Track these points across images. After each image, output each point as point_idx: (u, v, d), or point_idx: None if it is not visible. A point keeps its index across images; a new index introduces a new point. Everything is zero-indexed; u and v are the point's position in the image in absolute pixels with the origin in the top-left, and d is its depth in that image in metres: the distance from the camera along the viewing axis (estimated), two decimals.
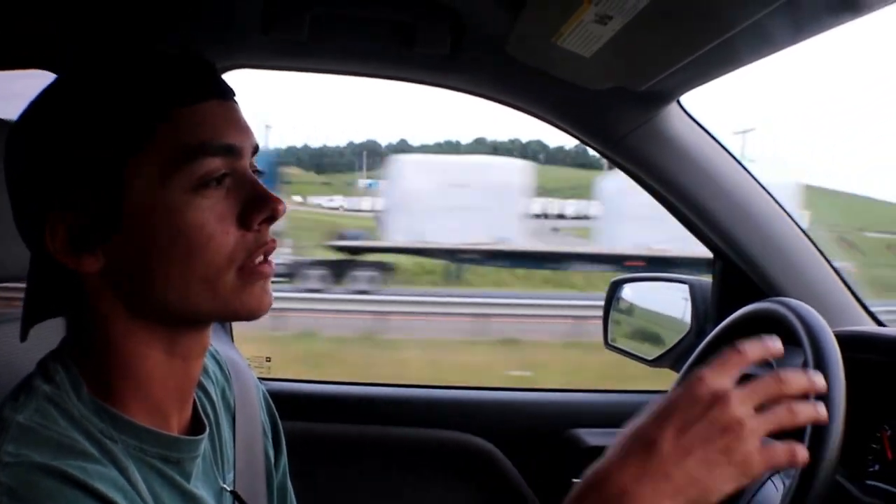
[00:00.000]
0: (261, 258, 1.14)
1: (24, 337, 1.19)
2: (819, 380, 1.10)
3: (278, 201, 1.13)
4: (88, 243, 1.09)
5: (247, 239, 1.12)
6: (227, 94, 1.16)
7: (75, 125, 1.08)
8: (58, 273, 1.12)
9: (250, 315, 1.15)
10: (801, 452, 1.05)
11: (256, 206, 1.12)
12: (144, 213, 1.07)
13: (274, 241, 1.16)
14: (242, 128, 1.15)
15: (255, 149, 1.18)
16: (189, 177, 1.07)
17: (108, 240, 1.09)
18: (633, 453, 1.01)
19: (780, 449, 1.04)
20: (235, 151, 1.12)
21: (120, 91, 1.09)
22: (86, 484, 0.97)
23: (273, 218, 1.14)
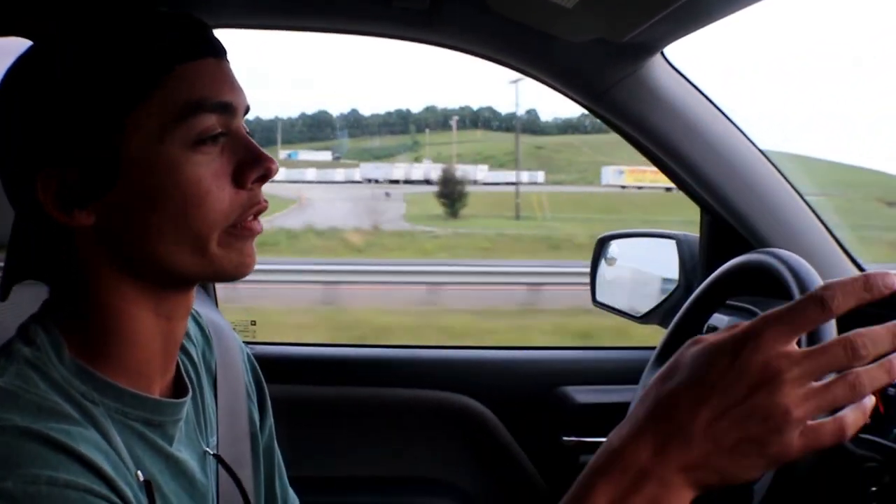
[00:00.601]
0: (251, 217, 1.14)
1: (4, 296, 1.19)
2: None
3: (271, 160, 1.14)
4: (82, 198, 1.09)
5: (241, 197, 1.12)
6: (221, 52, 1.17)
7: (74, 79, 1.08)
8: (46, 229, 1.11)
9: (236, 274, 1.15)
10: (850, 424, 0.89)
11: (251, 165, 1.13)
12: (141, 167, 1.08)
13: (266, 201, 1.16)
14: (236, 87, 1.16)
15: (247, 109, 1.18)
16: (187, 132, 1.08)
17: (102, 195, 1.08)
18: (657, 429, 0.88)
19: (828, 430, 0.87)
20: (231, 109, 1.13)
21: (121, 45, 1.09)
22: (69, 447, 0.96)
23: (266, 176, 1.14)
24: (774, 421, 0.85)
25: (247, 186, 1.12)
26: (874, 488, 1.39)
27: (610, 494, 0.88)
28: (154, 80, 1.07)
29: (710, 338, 0.91)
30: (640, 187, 48.41)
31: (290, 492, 1.56)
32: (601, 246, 2.79)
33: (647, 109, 2.11)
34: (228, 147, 1.12)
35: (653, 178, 47.78)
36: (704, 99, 2.14)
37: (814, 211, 2.18)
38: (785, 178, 2.17)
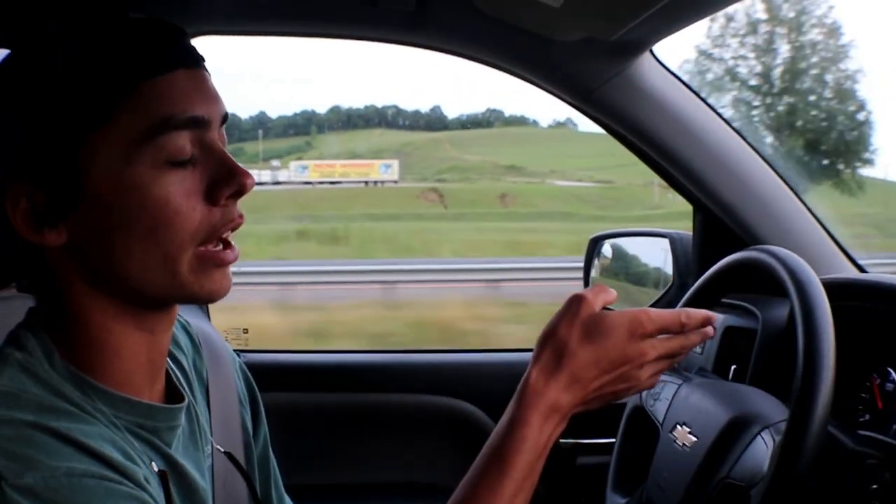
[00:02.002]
0: (219, 246, 1.11)
1: None
2: (714, 316, 1.31)
3: (246, 175, 1.10)
4: (50, 218, 1.06)
5: (213, 215, 1.09)
6: (196, 61, 1.12)
7: (34, 98, 1.05)
8: (21, 244, 1.09)
9: (209, 298, 1.13)
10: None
11: (224, 181, 1.09)
12: (108, 189, 1.04)
13: (241, 216, 1.13)
14: (211, 97, 1.11)
15: (225, 117, 1.14)
16: (156, 153, 1.04)
17: (68, 215, 1.06)
18: (569, 378, 1.21)
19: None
20: (203, 123, 1.09)
21: (82, 62, 1.05)
22: (76, 439, 0.97)
23: (241, 192, 1.11)
24: (633, 384, 1.25)
25: (219, 203, 1.09)
26: (875, 486, 1.38)
27: (537, 421, 1.21)
28: (116, 100, 1.04)
29: (614, 317, 1.23)
30: (333, 182, 47.51)
31: (286, 498, 1.54)
32: (594, 245, 2.78)
33: (637, 107, 2.10)
34: (201, 162, 1.09)
35: (343, 171, 47.90)
36: (694, 95, 2.13)
37: (807, 206, 2.18)
38: (778, 173, 2.16)
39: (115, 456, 0.99)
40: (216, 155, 1.10)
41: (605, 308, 1.26)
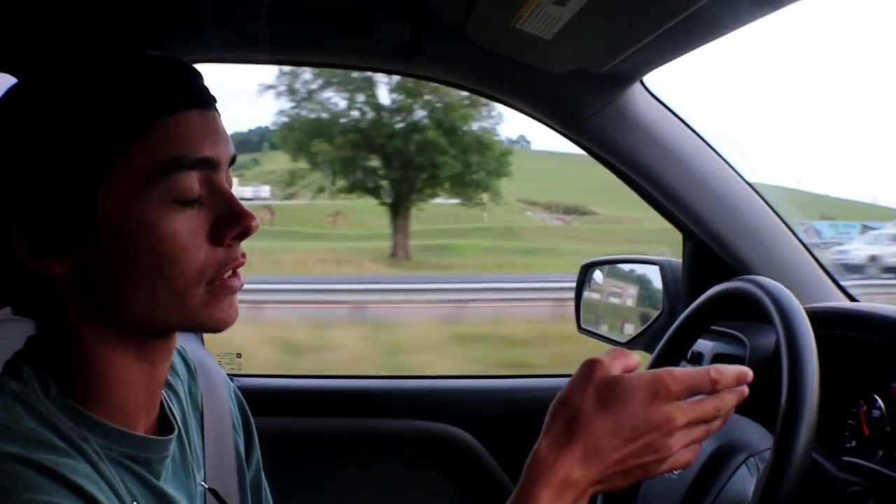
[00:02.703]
0: (230, 273, 1.12)
1: None
2: (748, 371, 1.19)
3: (251, 217, 1.12)
4: (55, 249, 1.07)
5: (217, 254, 1.10)
6: (208, 102, 1.13)
7: (46, 132, 1.06)
8: (24, 273, 1.09)
9: (216, 328, 1.14)
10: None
11: (229, 222, 1.10)
12: (116, 224, 1.05)
13: (244, 256, 1.14)
14: (221, 138, 1.13)
15: (233, 159, 1.16)
16: (165, 191, 1.06)
17: (75, 248, 1.07)
18: (584, 450, 1.10)
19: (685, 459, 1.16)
20: (213, 164, 1.10)
21: (96, 100, 1.06)
22: (61, 475, 0.96)
23: (245, 234, 1.12)
24: (662, 454, 1.11)
25: (224, 244, 1.10)
26: None
27: (547, 498, 1.09)
28: (129, 138, 1.05)
29: (632, 379, 1.12)
30: None
31: None
32: (585, 272, 2.80)
33: (627, 137, 2.11)
34: (208, 202, 1.10)
35: None
36: (684, 126, 2.15)
37: (796, 235, 2.19)
38: (767, 203, 2.18)
39: (99, 496, 0.99)
40: (223, 196, 1.11)
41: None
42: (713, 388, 1.13)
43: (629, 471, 1.11)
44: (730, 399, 1.15)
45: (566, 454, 1.09)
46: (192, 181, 1.07)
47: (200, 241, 1.08)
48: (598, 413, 1.10)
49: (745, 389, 1.18)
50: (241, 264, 1.14)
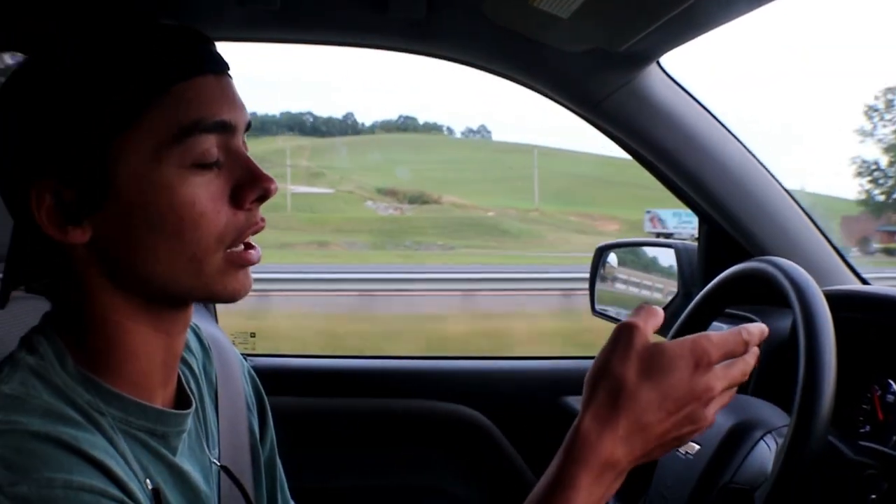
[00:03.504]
0: (241, 247, 1.13)
1: (2, 303, 1.18)
2: (765, 328, 1.16)
3: (270, 180, 1.12)
4: (75, 215, 1.07)
5: (238, 218, 1.10)
6: (223, 67, 1.14)
7: (66, 96, 1.06)
8: (43, 242, 1.10)
9: (231, 297, 1.14)
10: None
11: (249, 185, 1.11)
12: (135, 187, 1.06)
13: (263, 220, 1.14)
14: (237, 103, 1.13)
15: (248, 125, 1.16)
16: (184, 154, 1.06)
17: (95, 212, 1.07)
18: (627, 425, 1.05)
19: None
20: (230, 128, 1.11)
21: (114, 63, 1.07)
22: (80, 449, 0.96)
23: (265, 197, 1.12)
24: (700, 424, 1.07)
25: (244, 207, 1.10)
26: (873, 496, 1.39)
27: (587, 481, 1.04)
28: (148, 100, 1.05)
29: (674, 347, 1.07)
30: None
31: (292, 503, 1.55)
32: (600, 255, 2.79)
33: (644, 118, 2.11)
34: (226, 166, 1.10)
35: None
36: (700, 107, 2.14)
37: (811, 219, 2.18)
38: (782, 186, 2.17)
39: (115, 469, 0.99)
40: (241, 160, 1.11)
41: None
42: (745, 349, 1.10)
43: (667, 443, 1.07)
44: (752, 360, 1.11)
45: (609, 432, 1.04)
46: (210, 144, 1.08)
47: (220, 205, 1.09)
48: (642, 384, 1.05)
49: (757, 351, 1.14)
50: (261, 228, 1.14)
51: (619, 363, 1.06)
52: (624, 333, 1.08)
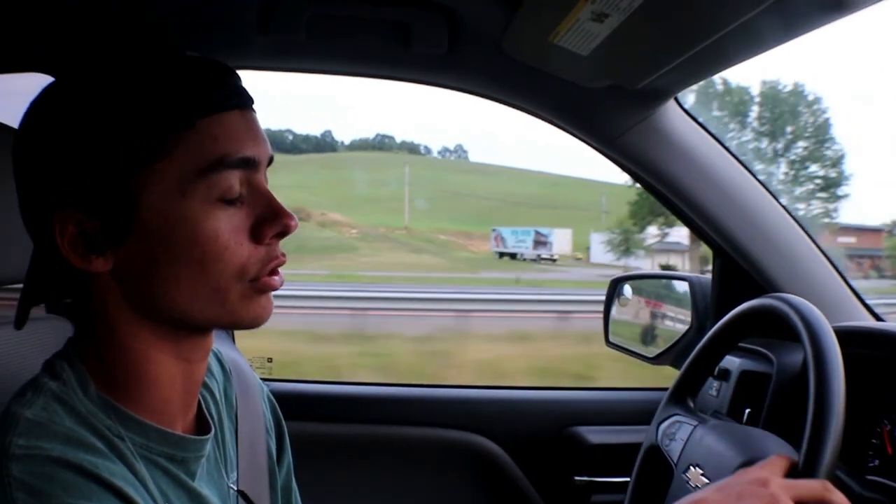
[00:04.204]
0: (268, 272, 1.14)
1: (19, 324, 1.20)
2: None
3: (290, 217, 1.14)
4: (98, 245, 1.08)
5: (259, 252, 1.12)
6: (248, 103, 1.16)
7: (92, 128, 1.07)
8: (64, 270, 1.11)
9: (253, 324, 1.15)
10: None
11: (270, 221, 1.12)
12: (159, 220, 1.07)
13: (284, 255, 1.16)
14: (260, 139, 1.15)
15: (270, 159, 1.18)
16: (208, 189, 1.08)
17: (118, 244, 1.08)
18: None
19: None
20: (253, 164, 1.12)
21: (140, 97, 1.08)
22: (100, 476, 0.97)
23: (284, 233, 1.14)
24: None
25: (264, 242, 1.12)
26: None
27: None
28: (174, 135, 1.07)
29: (752, 472, 1.26)
30: None
31: None
32: (614, 287, 2.81)
33: (660, 154, 2.13)
34: (248, 201, 1.12)
35: None
36: (717, 143, 2.16)
37: (826, 256, 2.19)
38: (798, 222, 2.19)
39: (136, 498, 1.00)
40: (263, 195, 1.13)
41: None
42: None
43: None
44: None
45: None
46: (234, 180, 1.10)
47: (242, 239, 1.10)
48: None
49: None
50: (282, 263, 1.16)
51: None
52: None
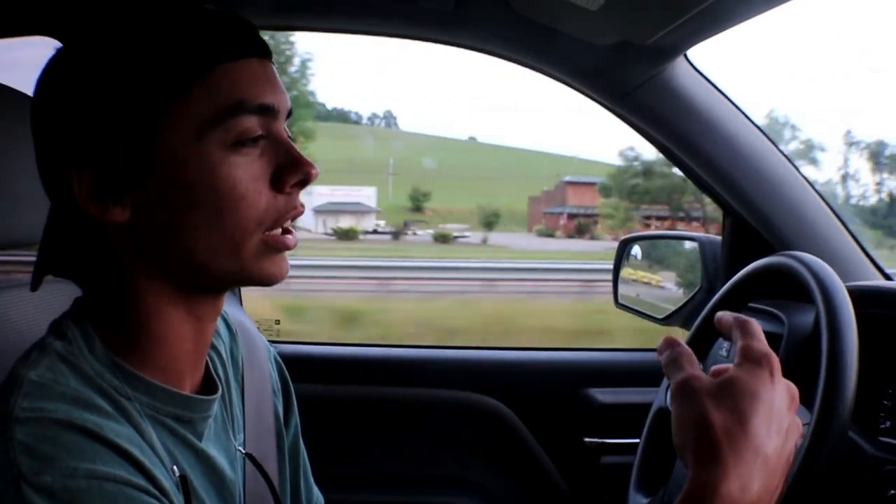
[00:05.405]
0: (279, 231, 1.13)
1: (35, 286, 1.19)
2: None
3: (311, 165, 1.13)
4: (116, 192, 1.08)
5: (278, 201, 1.11)
6: (266, 52, 1.15)
7: (110, 74, 1.07)
8: (81, 224, 1.11)
9: (268, 281, 1.14)
10: None
11: (290, 169, 1.11)
12: (177, 165, 1.06)
13: (303, 205, 1.15)
14: (279, 88, 1.14)
15: (289, 112, 1.17)
16: (226, 134, 1.07)
17: (136, 189, 1.08)
18: (741, 461, 0.95)
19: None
20: (272, 111, 1.12)
21: (159, 42, 1.07)
22: (105, 437, 0.96)
23: (305, 182, 1.13)
24: (800, 431, 1.02)
25: (285, 191, 1.11)
26: (892, 491, 1.39)
27: None
28: (192, 80, 1.06)
29: (742, 374, 1.01)
30: None
31: (315, 489, 1.56)
32: (623, 247, 2.79)
33: (670, 111, 2.11)
34: (268, 150, 1.11)
35: None
36: (727, 101, 2.14)
37: (836, 214, 2.18)
38: (807, 181, 2.17)
39: (140, 458, 0.99)
40: (283, 143, 1.12)
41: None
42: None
43: (783, 464, 0.99)
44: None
45: (721, 473, 0.94)
46: (253, 124, 1.09)
47: (261, 188, 1.09)
48: (737, 421, 0.96)
49: None
50: (300, 213, 1.15)
51: (702, 415, 0.98)
52: (684, 389, 1.03)
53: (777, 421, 0.97)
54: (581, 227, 36.71)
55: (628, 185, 32.17)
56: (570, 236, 33.17)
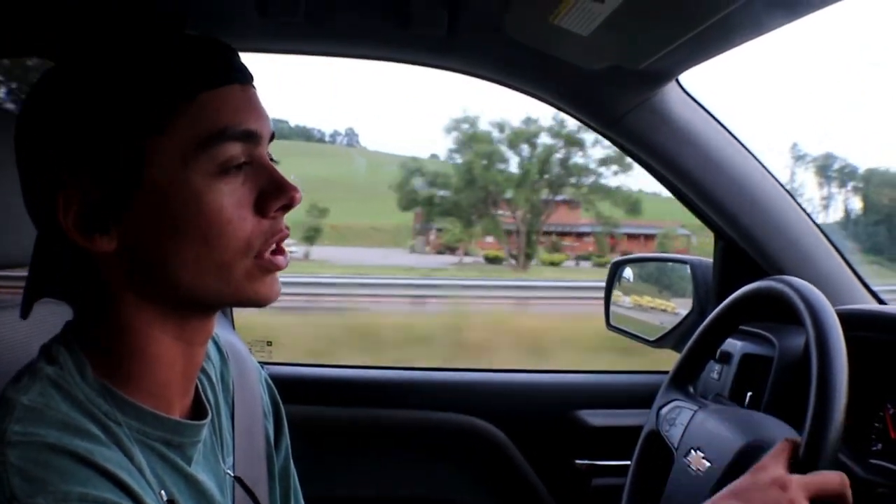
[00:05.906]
0: (274, 248, 1.14)
1: (25, 314, 1.18)
2: None
3: (295, 189, 1.13)
4: (102, 222, 1.08)
5: (262, 226, 1.12)
6: (248, 78, 1.15)
7: (95, 101, 1.07)
8: (68, 252, 1.11)
9: (260, 303, 1.15)
10: None
11: (274, 194, 1.12)
12: (162, 193, 1.07)
13: (288, 228, 1.15)
14: (261, 114, 1.15)
15: (272, 136, 1.17)
16: (210, 161, 1.07)
17: (121, 220, 1.08)
18: None
19: None
20: (255, 137, 1.12)
21: (144, 70, 1.08)
22: (96, 463, 0.97)
23: (289, 206, 1.14)
24: None
25: (269, 215, 1.12)
26: None
27: None
28: (176, 107, 1.07)
29: (766, 470, 1.25)
30: None
31: None
32: (615, 269, 2.80)
33: (662, 136, 2.12)
34: (251, 175, 1.11)
35: None
36: (718, 125, 2.15)
37: (827, 237, 2.19)
38: (798, 204, 2.18)
39: (132, 484, 1.00)
40: (266, 168, 1.13)
41: None
42: None
43: None
44: None
45: None
46: (237, 151, 1.09)
47: (246, 213, 1.10)
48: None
49: None
50: (286, 236, 1.15)
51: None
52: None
53: None
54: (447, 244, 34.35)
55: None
56: (439, 252, 31.46)
